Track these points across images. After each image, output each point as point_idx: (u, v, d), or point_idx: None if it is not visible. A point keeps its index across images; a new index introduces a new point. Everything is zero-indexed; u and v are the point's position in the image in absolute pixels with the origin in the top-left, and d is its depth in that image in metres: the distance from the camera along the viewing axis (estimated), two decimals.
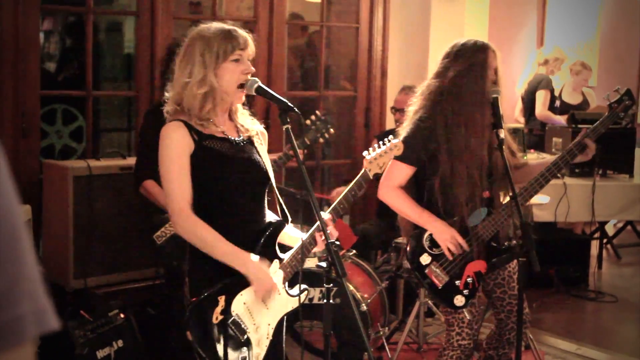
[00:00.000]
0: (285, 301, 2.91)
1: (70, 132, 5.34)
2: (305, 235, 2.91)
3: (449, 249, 3.46)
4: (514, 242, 3.40)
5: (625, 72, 9.22)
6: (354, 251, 4.74)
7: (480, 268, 3.52)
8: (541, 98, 7.52)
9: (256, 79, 2.82)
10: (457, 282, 3.51)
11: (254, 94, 2.82)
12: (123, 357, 4.05)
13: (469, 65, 3.46)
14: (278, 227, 2.90)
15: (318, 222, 2.73)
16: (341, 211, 2.95)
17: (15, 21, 4.67)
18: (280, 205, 2.95)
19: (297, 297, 2.91)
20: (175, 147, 2.75)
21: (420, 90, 3.60)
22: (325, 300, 2.72)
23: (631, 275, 7.39)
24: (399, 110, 5.15)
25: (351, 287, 4.26)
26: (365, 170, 2.96)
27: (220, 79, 2.77)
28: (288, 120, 2.71)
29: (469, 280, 3.50)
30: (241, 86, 2.81)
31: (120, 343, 4.06)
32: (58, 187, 4.56)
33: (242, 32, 2.83)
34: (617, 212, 6.60)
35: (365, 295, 4.39)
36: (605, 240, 7.57)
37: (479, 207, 3.49)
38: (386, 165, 3.03)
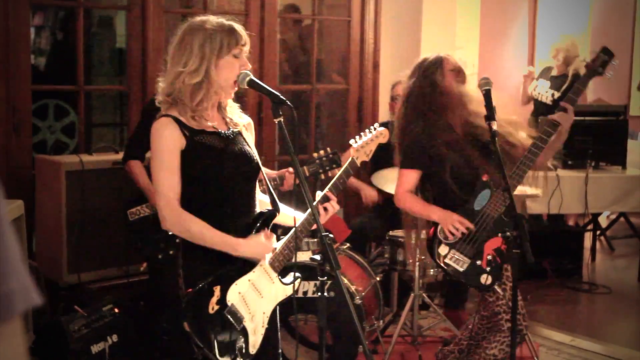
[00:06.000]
0: (280, 290, 2.94)
1: (62, 127, 5.32)
2: (300, 218, 2.94)
3: (453, 232, 3.60)
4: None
5: (617, 66, 9.21)
6: (348, 244, 4.73)
7: (498, 244, 3.62)
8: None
9: (248, 72, 2.80)
10: (479, 262, 3.62)
11: (246, 87, 2.81)
12: (117, 351, 4.05)
13: (422, 75, 3.75)
14: (270, 216, 2.91)
15: (309, 210, 2.77)
16: (335, 192, 2.97)
17: (5, 16, 4.64)
18: (271, 194, 2.95)
19: (290, 285, 2.93)
20: (165, 143, 2.75)
21: (401, 100, 3.88)
22: (319, 294, 2.72)
23: (624, 267, 7.40)
24: None
25: (345, 281, 4.26)
26: (352, 158, 3.02)
27: (219, 73, 2.76)
28: (280, 113, 2.71)
29: (490, 257, 3.62)
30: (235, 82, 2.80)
31: (114, 338, 4.06)
32: (50, 183, 4.54)
33: (241, 29, 2.83)
34: (610, 204, 6.61)
35: (360, 289, 4.39)
36: (598, 232, 7.59)
37: (480, 191, 3.61)
38: (372, 152, 3.10)
